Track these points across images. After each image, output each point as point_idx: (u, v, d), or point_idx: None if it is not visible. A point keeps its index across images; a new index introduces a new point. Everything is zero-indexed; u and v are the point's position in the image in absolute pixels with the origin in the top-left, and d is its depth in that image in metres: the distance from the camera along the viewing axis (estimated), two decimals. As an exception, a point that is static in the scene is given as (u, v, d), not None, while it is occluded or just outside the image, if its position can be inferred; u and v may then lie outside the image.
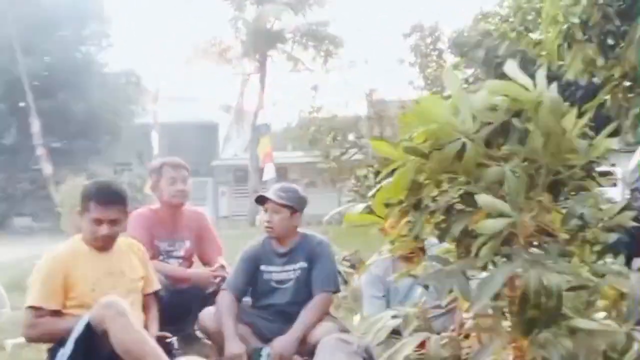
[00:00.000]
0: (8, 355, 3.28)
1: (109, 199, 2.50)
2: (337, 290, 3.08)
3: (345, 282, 4.57)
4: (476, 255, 1.21)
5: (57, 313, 2.44)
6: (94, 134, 16.85)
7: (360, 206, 1.39)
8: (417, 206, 1.31)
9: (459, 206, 1.28)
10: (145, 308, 2.67)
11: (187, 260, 3.49)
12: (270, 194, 2.99)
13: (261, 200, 3.01)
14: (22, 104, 14.96)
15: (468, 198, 1.24)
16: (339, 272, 3.93)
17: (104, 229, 2.48)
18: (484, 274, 1.22)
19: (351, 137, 14.92)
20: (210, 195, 20.06)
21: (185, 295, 3.15)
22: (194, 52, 17.35)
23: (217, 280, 3.21)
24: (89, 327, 2.28)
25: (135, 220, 3.11)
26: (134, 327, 2.29)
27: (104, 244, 2.53)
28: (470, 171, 1.22)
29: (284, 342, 2.73)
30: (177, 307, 2.95)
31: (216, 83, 41.67)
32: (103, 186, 2.58)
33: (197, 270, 3.47)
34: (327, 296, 2.92)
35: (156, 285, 2.77)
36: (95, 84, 17.00)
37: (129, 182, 11.97)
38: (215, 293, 3.05)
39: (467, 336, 1.39)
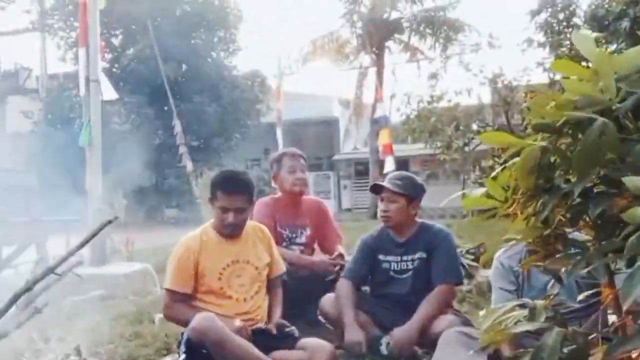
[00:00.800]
0: (156, 327, 3.70)
1: (234, 188, 2.60)
2: (459, 282, 2.98)
3: (470, 276, 4.42)
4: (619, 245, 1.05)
5: (189, 297, 2.61)
6: (226, 133, 18.09)
7: (480, 190, 1.28)
8: (547, 189, 1.17)
9: (600, 187, 1.12)
10: (269, 291, 2.76)
11: (308, 248, 3.58)
12: (385, 182, 2.96)
13: (377, 189, 2.99)
14: (165, 108, 16.27)
15: (610, 179, 1.08)
16: (462, 265, 3.81)
17: (230, 217, 2.58)
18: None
19: (475, 126, 14.24)
20: (332, 189, 20.44)
21: (306, 281, 3.23)
22: (312, 49, 17.66)
23: (337, 268, 3.25)
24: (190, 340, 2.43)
25: (259, 207, 3.27)
26: (234, 347, 2.37)
27: (231, 232, 2.64)
28: (614, 148, 1.04)
29: (404, 332, 2.69)
30: (298, 293, 3.03)
31: (334, 78, 42.33)
32: (229, 176, 2.70)
33: (317, 258, 3.55)
34: (448, 288, 2.84)
35: (281, 269, 2.83)
36: (226, 87, 18.20)
37: (258, 176, 12.78)
38: (335, 280, 3.09)
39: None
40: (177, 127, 14.38)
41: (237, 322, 2.50)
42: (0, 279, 4.22)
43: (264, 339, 2.54)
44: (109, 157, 16.20)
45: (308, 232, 3.56)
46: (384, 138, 12.96)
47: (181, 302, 2.62)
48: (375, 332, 2.84)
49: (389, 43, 17.80)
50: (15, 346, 3.04)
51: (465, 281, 3.85)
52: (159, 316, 3.71)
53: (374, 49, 17.38)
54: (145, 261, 5.85)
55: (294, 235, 3.53)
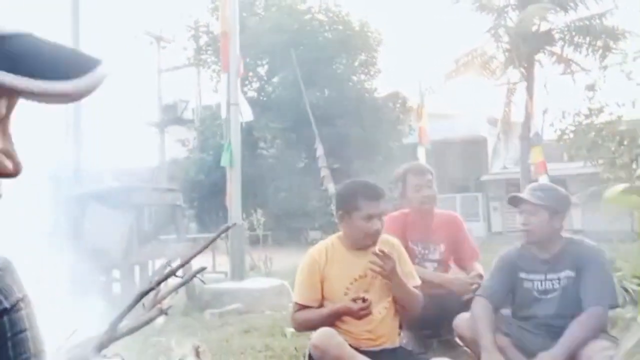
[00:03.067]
0: (287, 341, 3.78)
1: (377, 193, 2.49)
2: (614, 305, 2.55)
3: (634, 302, 3.81)
4: None
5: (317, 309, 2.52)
6: (368, 155, 18.19)
7: (621, 186, 1.01)
8: None
9: None
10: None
11: (443, 264, 3.35)
12: (525, 194, 2.65)
13: (515, 201, 2.69)
14: (308, 132, 16.86)
15: None
16: (626, 290, 3.31)
17: (376, 224, 2.45)
18: None
19: (642, 140, 12.60)
20: (481, 211, 19.46)
21: (441, 300, 3.02)
22: (456, 66, 17.13)
23: (474, 286, 2.97)
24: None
25: (389, 222, 3.08)
26: None
27: (374, 241, 2.49)
28: None
29: (551, 357, 2.34)
30: (432, 312, 2.83)
31: (480, 96, 40.79)
32: (367, 183, 2.57)
33: (453, 276, 3.29)
34: (600, 311, 2.48)
35: (416, 281, 2.62)
36: (367, 109, 18.39)
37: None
38: (471, 299, 2.81)
39: None
40: (320, 150, 14.74)
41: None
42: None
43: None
44: (255, 179, 17.14)
45: (442, 248, 3.35)
46: (536, 156, 12.02)
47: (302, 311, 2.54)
48: (517, 357, 2.52)
49: (539, 56, 16.65)
50: (148, 345, 3.19)
51: (630, 307, 3.34)
52: (290, 330, 3.79)
53: (522, 63, 16.37)
54: (284, 278, 5.98)
55: (427, 252, 3.34)
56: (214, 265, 8.20)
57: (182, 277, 2.36)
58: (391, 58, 42.41)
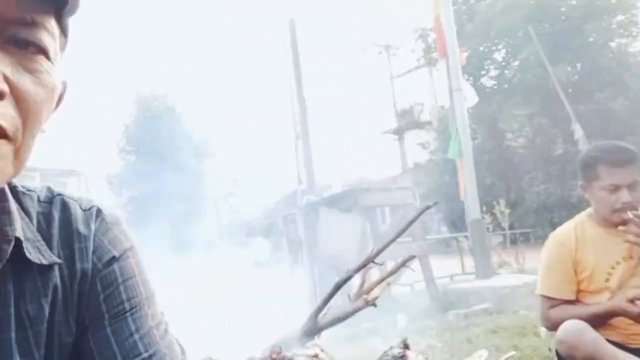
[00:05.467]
0: (539, 341, 3.41)
1: (623, 158, 2.01)
2: None
3: None
4: None
5: (570, 303, 2.10)
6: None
7: None
8: None
9: None
10: None
11: None
12: None
13: None
14: (561, 114, 15.28)
15: None
16: None
17: (623, 196, 1.98)
18: None
19: None
20: None
21: None
22: None
23: None
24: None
25: None
26: None
27: (624, 218, 2.00)
28: None
29: None
30: None
31: None
32: (611, 147, 2.09)
33: None
34: None
35: None
36: (632, 76, 15.80)
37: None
38: None
39: None
40: (578, 131, 13.17)
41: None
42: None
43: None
44: (506, 174, 16.07)
45: None
46: None
47: (556, 308, 2.12)
48: None
49: None
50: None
51: None
52: (545, 330, 3.35)
53: None
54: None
55: None
56: (462, 267, 7.82)
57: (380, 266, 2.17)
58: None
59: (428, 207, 2.20)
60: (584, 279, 2.05)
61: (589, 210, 2.13)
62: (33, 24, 0.54)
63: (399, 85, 21.91)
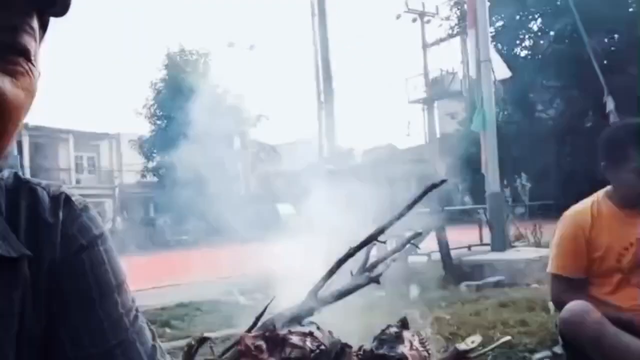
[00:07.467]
0: (547, 316, 3.39)
1: None
2: None
3: None
4: None
5: (581, 282, 2.10)
6: (678, 103, 15.08)
7: None
8: None
9: None
10: None
11: None
12: None
13: None
14: (593, 87, 14.87)
15: None
16: None
17: None
18: None
19: None
20: None
21: None
22: None
23: None
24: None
25: None
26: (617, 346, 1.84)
27: None
28: None
29: None
30: None
31: None
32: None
33: None
34: None
35: None
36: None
37: None
38: None
39: None
40: (610, 104, 12.76)
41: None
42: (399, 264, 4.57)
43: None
44: (535, 146, 15.75)
45: None
46: None
47: (571, 288, 2.11)
48: None
49: None
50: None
51: None
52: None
53: None
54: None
55: None
56: (480, 238, 7.85)
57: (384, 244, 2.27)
58: None
59: (434, 186, 2.26)
60: (596, 258, 2.04)
61: (608, 188, 2.10)
62: (14, 28, 0.54)
63: (432, 54, 21.50)
